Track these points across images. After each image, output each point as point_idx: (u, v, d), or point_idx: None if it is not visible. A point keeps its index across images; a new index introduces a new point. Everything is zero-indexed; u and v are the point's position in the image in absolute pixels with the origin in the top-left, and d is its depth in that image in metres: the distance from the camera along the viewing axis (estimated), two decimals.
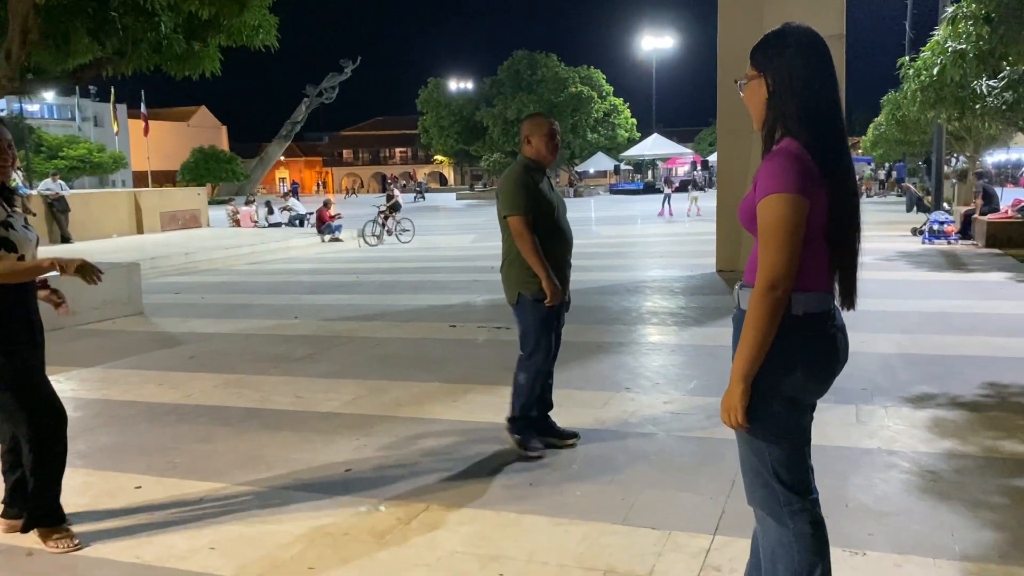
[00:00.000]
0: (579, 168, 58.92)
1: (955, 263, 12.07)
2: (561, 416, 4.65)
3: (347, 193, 64.03)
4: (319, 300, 10.43)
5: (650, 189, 48.79)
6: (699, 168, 57.14)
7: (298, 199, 31.07)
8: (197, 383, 6.19)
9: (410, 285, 11.56)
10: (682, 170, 60.84)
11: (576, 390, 5.51)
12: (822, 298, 2.17)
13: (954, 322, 7.56)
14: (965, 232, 14.96)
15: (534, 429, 4.41)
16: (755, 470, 2.27)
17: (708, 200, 30.66)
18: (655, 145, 52.49)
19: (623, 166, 58.57)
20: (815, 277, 2.15)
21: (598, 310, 8.80)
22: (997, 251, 13.21)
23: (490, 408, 5.20)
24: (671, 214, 26.14)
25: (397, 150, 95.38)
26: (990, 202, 14.91)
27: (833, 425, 4.63)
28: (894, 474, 3.90)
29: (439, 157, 76.99)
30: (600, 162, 56.46)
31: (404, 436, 4.74)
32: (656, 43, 57.08)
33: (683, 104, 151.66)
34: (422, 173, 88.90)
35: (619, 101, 58.37)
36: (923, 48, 13.15)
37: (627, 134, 58.03)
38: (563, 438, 4.47)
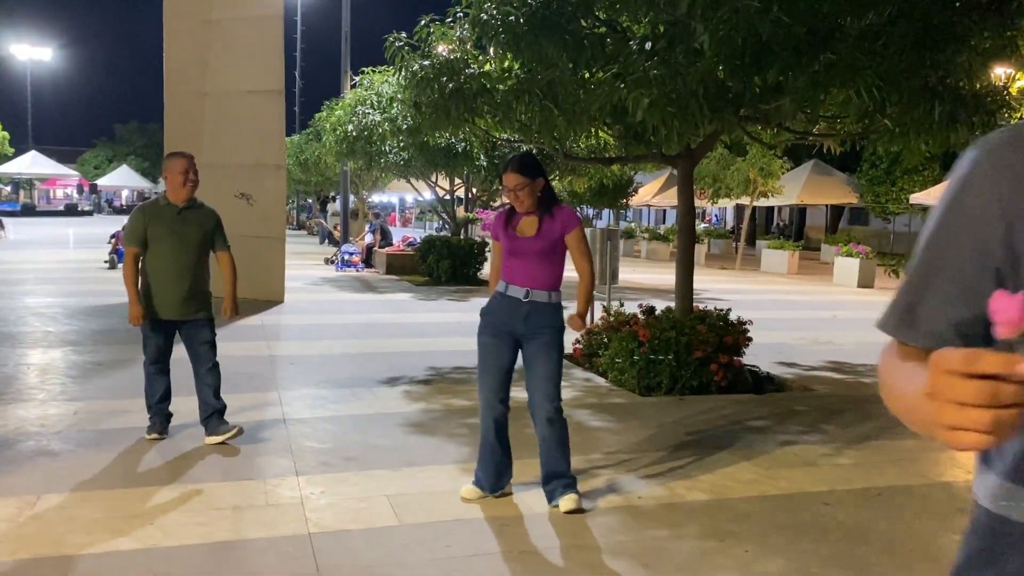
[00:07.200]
0: None
1: (369, 286, 14.76)
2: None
3: None
4: None
5: (31, 211, 44.54)
6: (87, 192, 53.92)
7: None
8: None
9: None
10: (61, 192, 56.64)
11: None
12: None
13: (387, 330, 9.77)
14: (368, 262, 18.02)
15: (161, 417, 5.07)
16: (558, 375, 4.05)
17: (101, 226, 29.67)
18: (34, 163, 47.94)
19: None
20: None
21: (69, 333, 8.88)
22: (395, 277, 16.41)
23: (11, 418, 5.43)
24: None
25: None
26: (386, 237, 18.30)
27: (343, 403, 6.15)
28: (399, 424, 5.56)
29: None
30: None
31: None
32: (32, 53, 52.23)
33: (63, 122, 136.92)
34: None
35: None
36: (335, 107, 15.76)
37: None
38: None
